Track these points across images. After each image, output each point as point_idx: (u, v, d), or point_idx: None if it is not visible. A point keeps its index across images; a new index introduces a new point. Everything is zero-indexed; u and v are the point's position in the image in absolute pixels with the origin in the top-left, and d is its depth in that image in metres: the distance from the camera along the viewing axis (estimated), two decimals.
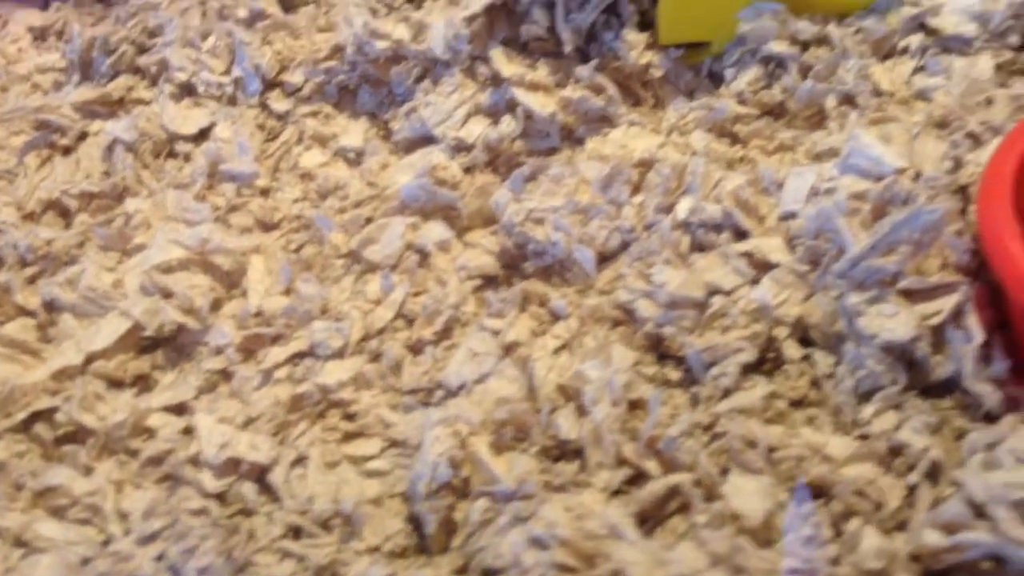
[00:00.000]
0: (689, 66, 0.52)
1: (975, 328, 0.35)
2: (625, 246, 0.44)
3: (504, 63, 0.50)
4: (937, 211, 0.36)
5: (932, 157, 0.41)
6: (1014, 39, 0.48)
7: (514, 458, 0.37)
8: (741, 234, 0.42)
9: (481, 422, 0.38)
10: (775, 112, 0.49)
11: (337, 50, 0.54)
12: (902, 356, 0.36)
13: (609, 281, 0.44)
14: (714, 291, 0.40)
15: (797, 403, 0.37)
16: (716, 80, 0.52)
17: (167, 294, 0.45)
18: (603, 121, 0.50)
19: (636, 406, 0.38)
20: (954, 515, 0.30)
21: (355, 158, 0.52)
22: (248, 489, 0.39)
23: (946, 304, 0.35)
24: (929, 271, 0.37)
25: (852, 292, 0.37)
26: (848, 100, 0.47)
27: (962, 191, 0.39)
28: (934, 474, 0.33)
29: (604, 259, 0.45)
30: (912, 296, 0.36)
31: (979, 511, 0.30)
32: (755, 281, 0.40)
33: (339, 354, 0.42)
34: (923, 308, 0.36)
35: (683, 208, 0.43)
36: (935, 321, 0.35)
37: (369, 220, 0.48)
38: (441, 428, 0.37)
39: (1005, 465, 0.31)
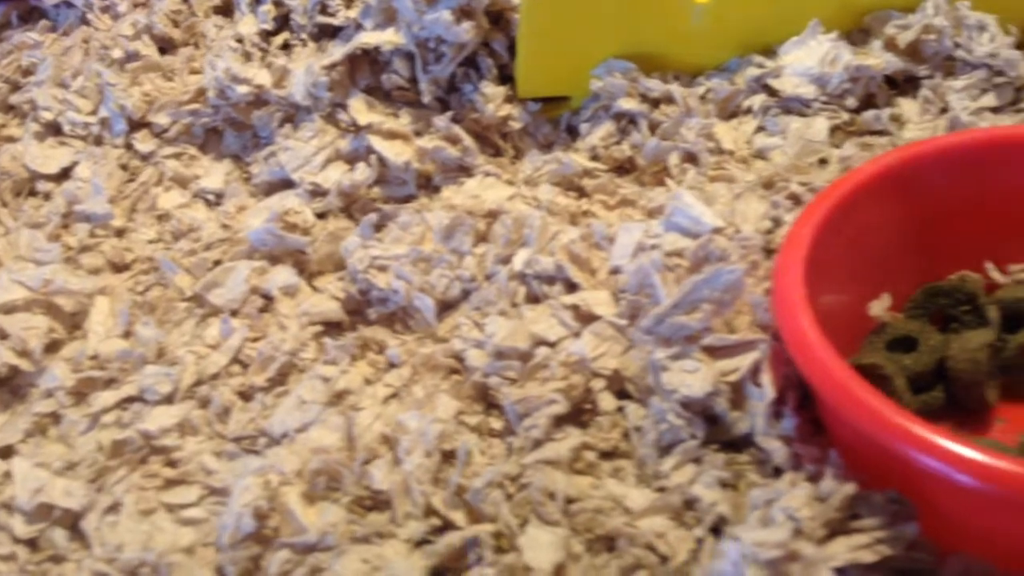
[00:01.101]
0: (548, 119, 0.53)
1: (768, 385, 0.36)
2: (466, 295, 0.45)
3: (362, 111, 0.51)
4: (736, 271, 0.37)
5: (752, 217, 0.42)
6: (851, 101, 0.49)
7: (324, 508, 0.37)
8: (573, 287, 0.43)
9: (296, 471, 0.38)
10: (625, 167, 0.51)
11: (201, 93, 0.54)
12: (701, 411, 0.37)
13: (449, 330, 0.44)
14: (539, 342, 0.41)
15: (607, 454, 0.38)
16: (574, 134, 0.53)
17: (3, 335, 0.44)
18: (461, 171, 0.51)
19: (453, 456, 0.39)
20: (720, 572, 0.31)
21: (214, 200, 0.52)
22: (59, 535, 0.38)
23: (744, 361, 0.36)
24: (739, 328, 0.38)
25: (659, 348, 0.38)
26: (691, 158, 0.48)
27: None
28: (719, 529, 0.34)
29: (446, 307, 0.45)
30: (715, 353, 0.37)
31: (739, 569, 0.30)
32: (579, 334, 0.41)
33: (168, 399, 0.42)
34: (724, 365, 0.37)
35: (519, 260, 0.44)
36: (734, 378, 0.36)
37: (217, 263, 0.48)
38: (252, 477, 0.37)
39: (776, 522, 0.31)
